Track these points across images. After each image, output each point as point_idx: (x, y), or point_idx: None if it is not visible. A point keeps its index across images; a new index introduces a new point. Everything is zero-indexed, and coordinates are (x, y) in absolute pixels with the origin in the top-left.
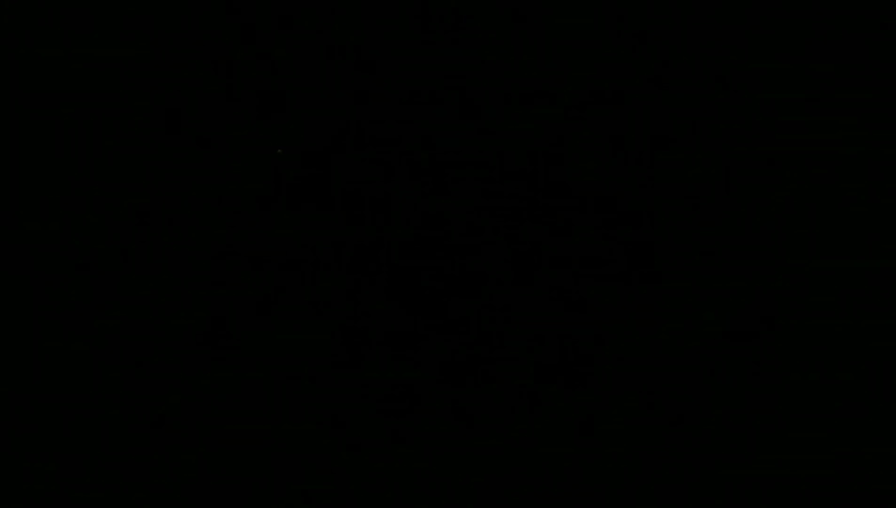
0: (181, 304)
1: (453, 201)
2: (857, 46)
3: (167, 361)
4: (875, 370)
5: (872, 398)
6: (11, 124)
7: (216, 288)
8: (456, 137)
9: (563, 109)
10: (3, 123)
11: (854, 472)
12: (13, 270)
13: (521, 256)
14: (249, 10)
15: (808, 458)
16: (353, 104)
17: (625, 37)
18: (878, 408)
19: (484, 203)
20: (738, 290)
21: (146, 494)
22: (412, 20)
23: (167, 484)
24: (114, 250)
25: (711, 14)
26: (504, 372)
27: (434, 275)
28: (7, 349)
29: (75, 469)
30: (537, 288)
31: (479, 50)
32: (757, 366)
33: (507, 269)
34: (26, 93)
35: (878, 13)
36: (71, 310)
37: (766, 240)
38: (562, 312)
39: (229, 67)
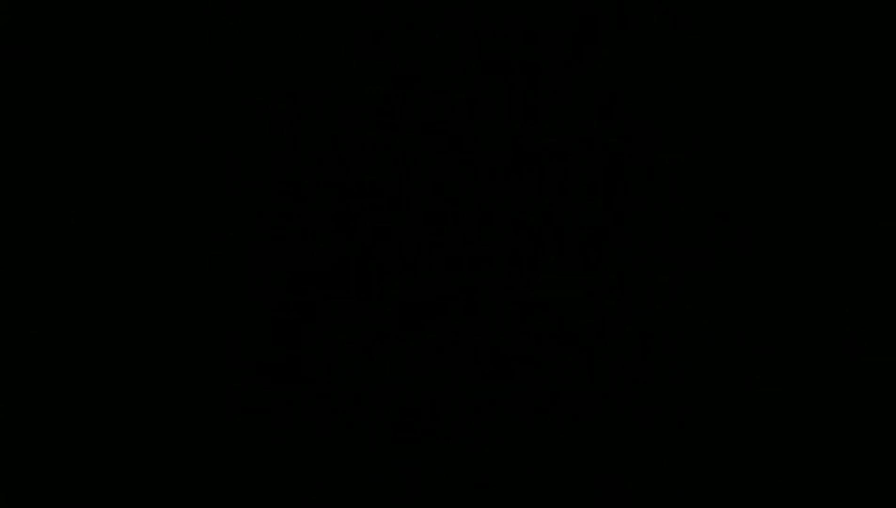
0: (180, 304)
1: (452, 201)
2: (857, 46)
3: (167, 361)
4: (875, 370)
5: (872, 398)
6: (11, 124)
7: (215, 289)
8: (453, 137)
9: (562, 109)
10: (3, 122)
11: (854, 472)
12: (13, 270)
13: (520, 256)
14: (249, 10)
15: (807, 458)
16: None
17: (624, 36)
18: (879, 408)
19: (483, 204)
20: (737, 290)
21: (146, 494)
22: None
23: (167, 484)
24: (113, 249)
25: (711, 14)
26: (502, 373)
27: (431, 278)
28: (7, 349)
29: (75, 469)
30: (537, 288)
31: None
32: (756, 367)
33: (506, 268)
34: (26, 92)
35: (877, 13)
36: (70, 310)
37: (767, 240)
38: (562, 312)
39: (229, 67)
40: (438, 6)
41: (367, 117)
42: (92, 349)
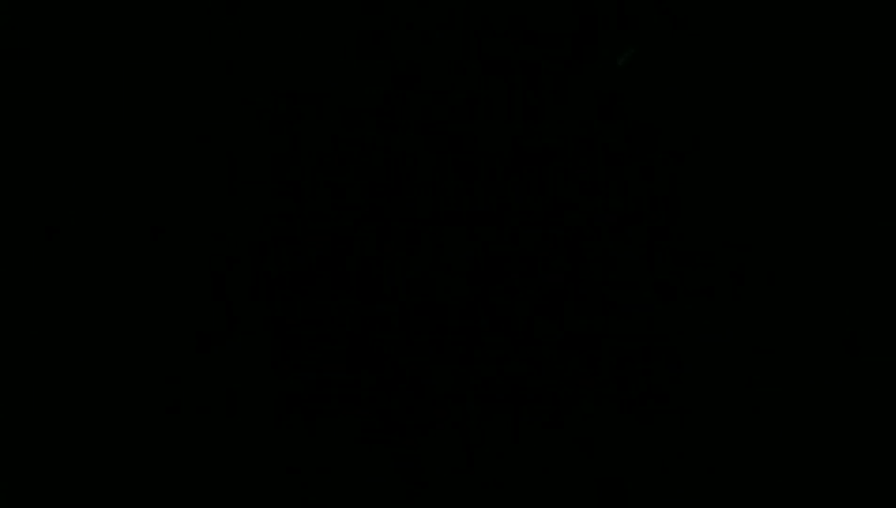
0: (179, 303)
1: (452, 201)
2: (857, 46)
3: (166, 360)
4: (875, 370)
5: (872, 398)
6: (11, 124)
7: (214, 288)
8: (453, 139)
9: (562, 112)
10: (3, 122)
11: (854, 472)
12: (13, 270)
13: (519, 255)
14: (249, 10)
15: (807, 459)
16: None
17: (624, 36)
18: (879, 408)
19: (483, 204)
20: (737, 290)
21: (146, 494)
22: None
23: (167, 484)
24: (113, 249)
25: (711, 13)
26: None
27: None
28: (7, 349)
29: (75, 468)
30: (537, 288)
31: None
32: (756, 367)
33: (507, 270)
34: (26, 92)
35: (877, 13)
36: (69, 309)
37: (767, 239)
38: (563, 314)
39: (229, 67)
40: (438, 6)
41: (367, 117)
42: (92, 347)
